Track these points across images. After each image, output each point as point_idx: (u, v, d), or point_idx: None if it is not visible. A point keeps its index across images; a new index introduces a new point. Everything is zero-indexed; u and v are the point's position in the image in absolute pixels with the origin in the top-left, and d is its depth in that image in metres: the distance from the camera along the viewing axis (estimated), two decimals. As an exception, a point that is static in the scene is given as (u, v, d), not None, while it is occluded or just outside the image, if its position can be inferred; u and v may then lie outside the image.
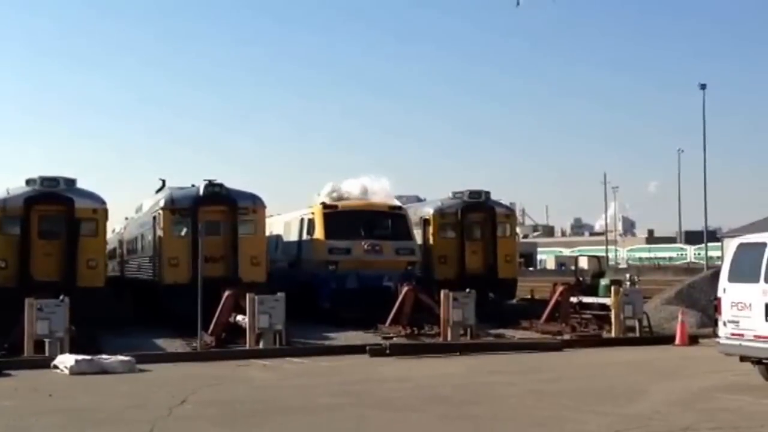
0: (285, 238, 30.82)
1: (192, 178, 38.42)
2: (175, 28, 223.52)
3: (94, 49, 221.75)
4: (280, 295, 21.19)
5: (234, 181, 26.00)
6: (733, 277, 14.98)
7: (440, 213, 30.38)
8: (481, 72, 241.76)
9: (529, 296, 34.47)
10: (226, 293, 21.95)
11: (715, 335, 15.67)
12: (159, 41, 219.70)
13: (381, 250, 27.63)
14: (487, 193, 30.96)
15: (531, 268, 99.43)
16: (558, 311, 25.61)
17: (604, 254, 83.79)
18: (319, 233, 27.85)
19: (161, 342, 22.13)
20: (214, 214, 25.51)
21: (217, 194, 25.77)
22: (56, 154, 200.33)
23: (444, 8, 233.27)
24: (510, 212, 32.37)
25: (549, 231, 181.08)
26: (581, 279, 31.64)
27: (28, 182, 24.27)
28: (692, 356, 19.99)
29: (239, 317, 21.70)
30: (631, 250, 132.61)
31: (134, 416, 12.59)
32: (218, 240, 25.23)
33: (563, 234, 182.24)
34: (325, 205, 29.00)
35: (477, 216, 30.42)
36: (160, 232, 25.86)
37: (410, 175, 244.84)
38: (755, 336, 14.38)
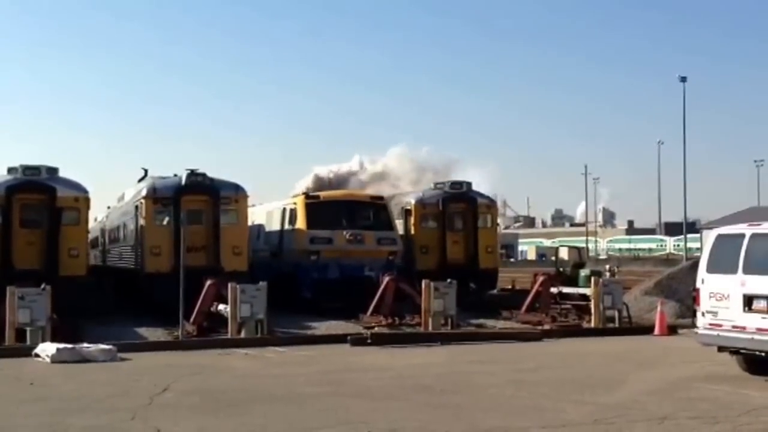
0: (267, 228, 30.78)
1: (174, 168, 38.32)
2: (160, 20, 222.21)
3: (79, 41, 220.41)
4: (262, 284, 21.23)
5: (217, 171, 25.91)
6: (712, 268, 15.11)
7: (422, 203, 30.42)
8: (462, 64, 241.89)
9: (509, 287, 34.57)
10: (208, 282, 21.96)
11: (694, 326, 15.81)
12: (144, 33, 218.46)
13: (363, 240, 27.63)
14: (469, 184, 31.07)
15: (512, 259, 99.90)
16: (538, 301, 25.76)
17: (584, 245, 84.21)
18: (301, 223, 27.82)
19: (143, 331, 22.13)
20: (196, 203, 25.49)
21: (199, 183, 25.72)
22: (39, 144, 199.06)
23: (427, 5, 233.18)
24: (491, 203, 32.42)
25: (530, 222, 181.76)
26: (561, 269, 31.76)
27: (10, 171, 24.14)
28: (671, 346, 20.14)
29: (221, 306, 21.73)
30: (611, 241, 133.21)
31: (116, 404, 12.61)
32: (200, 229, 25.21)
33: (544, 225, 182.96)
34: (307, 195, 28.99)
35: (458, 206, 30.47)
36: (142, 221, 25.79)
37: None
38: (733, 326, 14.52)
